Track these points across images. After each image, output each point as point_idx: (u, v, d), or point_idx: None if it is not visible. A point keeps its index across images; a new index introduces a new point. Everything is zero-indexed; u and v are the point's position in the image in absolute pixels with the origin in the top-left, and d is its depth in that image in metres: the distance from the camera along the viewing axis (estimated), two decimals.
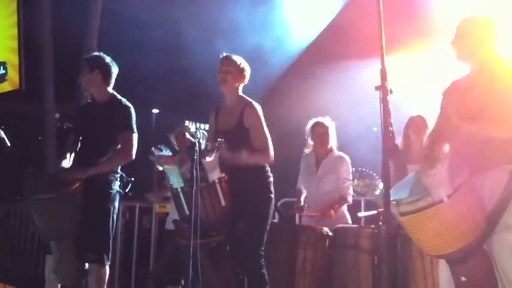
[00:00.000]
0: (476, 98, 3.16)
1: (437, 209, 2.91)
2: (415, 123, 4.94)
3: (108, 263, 4.26)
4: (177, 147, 5.34)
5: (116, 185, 4.33)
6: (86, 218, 4.14)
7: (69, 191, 4.13)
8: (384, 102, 2.81)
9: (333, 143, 5.42)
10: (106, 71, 4.42)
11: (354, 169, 3.53)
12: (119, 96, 4.43)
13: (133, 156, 4.30)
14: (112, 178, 4.30)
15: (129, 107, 4.37)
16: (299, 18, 8.33)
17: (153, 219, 7.15)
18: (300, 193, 5.51)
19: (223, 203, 3.96)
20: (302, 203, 5.46)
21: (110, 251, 4.27)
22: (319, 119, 5.44)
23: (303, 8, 8.30)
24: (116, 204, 4.32)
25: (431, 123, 3.92)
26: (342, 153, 5.40)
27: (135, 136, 4.32)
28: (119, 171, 4.37)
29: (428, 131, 4.80)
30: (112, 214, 4.25)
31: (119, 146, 4.28)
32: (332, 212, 5.13)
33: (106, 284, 4.28)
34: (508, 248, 3.01)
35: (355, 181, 3.45)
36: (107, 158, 4.25)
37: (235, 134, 4.11)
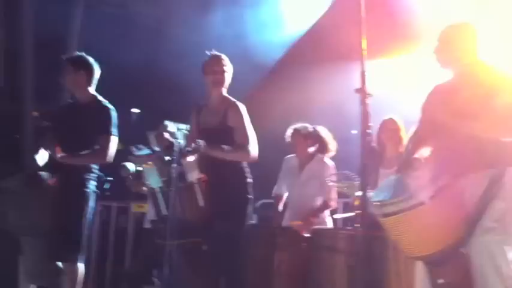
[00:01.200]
0: (460, 103, 3.20)
1: (419, 211, 2.96)
2: (388, 127, 4.94)
3: (82, 262, 4.23)
4: (156, 147, 5.32)
5: (92, 185, 4.30)
6: (60, 216, 4.10)
7: (43, 186, 4.10)
8: (363, 105, 2.83)
9: (315, 147, 5.42)
10: (90, 71, 4.41)
11: (338, 172, 3.55)
12: (100, 98, 4.41)
13: (111, 159, 4.29)
14: (88, 177, 4.28)
15: (111, 110, 4.35)
16: (282, 19, 8.34)
17: (129, 219, 7.10)
18: (278, 199, 5.49)
19: (201, 204, 3.96)
20: (281, 209, 5.45)
21: (84, 251, 4.24)
22: (298, 125, 5.45)
23: (285, 9, 8.32)
24: (92, 204, 4.28)
25: (404, 126, 3.95)
26: (326, 158, 5.39)
27: (115, 139, 4.30)
28: (95, 171, 4.34)
29: (401, 134, 4.89)
30: (87, 214, 4.23)
31: (97, 147, 4.25)
32: (314, 219, 5.12)
33: (81, 283, 4.24)
34: (485, 251, 3.05)
35: (338, 183, 3.49)
36: (85, 153, 4.22)
37: (219, 132, 4.09)
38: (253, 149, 4.13)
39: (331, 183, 4.62)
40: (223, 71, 4.19)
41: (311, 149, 5.40)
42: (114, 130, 4.31)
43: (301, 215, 5.19)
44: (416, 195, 2.94)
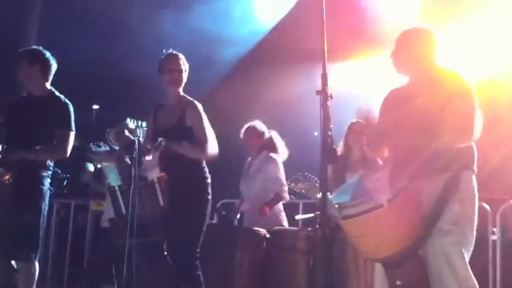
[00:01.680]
0: (418, 108, 3.23)
1: (377, 214, 2.99)
2: (354, 130, 5.00)
3: (37, 260, 4.16)
4: (116, 145, 5.25)
5: (48, 182, 4.23)
6: (15, 214, 4.02)
7: None
8: (324, 106, 2.84)
9: (264, 145, 5.47)
10: (46, 65, 4.33)
11: (299, 173, 3.56)
12: (57, 93, 4.33)
13: (68, 154, 4.22)
14: (44, 174, 4.20)
15: (67, 104, 4.28)
16: (245, 18, 8.35)
17: (88, 217, 7.00)
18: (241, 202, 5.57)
19: (161, 203, 3.92)
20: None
21: (39, 249, 4.18)
22: (249, 123, 5.51)
23: (248, 9, 8.33)
24: (47, 201, 4.21)
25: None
26: (272, 154, 5.45)
27: (73, 134, 4.24)
28: (51, 168, 4.26)
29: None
30: (43, 211, 4.16)
31: (55, 142, 4.18)
32: (266, 209, 5.17)
33: (36, 281, 4.17)
34: (442, 253, 3.10)
35: (298, 184, 3.50)
36: (42, 147, 4.14)
37: (176, 132, 4.06)
38: (212, 147, 4.11)
39: (291, 185, 4.67)
40: (180, 70, 4.15)
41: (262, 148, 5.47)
42: (72, 124, 4.24)
43: (255, 209, 5.22)
44: (376, 197, 2.97)
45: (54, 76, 4.39)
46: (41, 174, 4.17)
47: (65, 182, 4.39)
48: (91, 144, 4.13)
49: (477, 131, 3.18)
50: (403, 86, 3.49)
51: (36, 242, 4.14)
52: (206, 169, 4.19)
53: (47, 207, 4.22)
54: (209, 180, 4.19)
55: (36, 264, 4.17)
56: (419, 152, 3.16)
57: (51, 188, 4.26)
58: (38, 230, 4.14)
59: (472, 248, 3.18)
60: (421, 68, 3.38)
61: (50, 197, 4.26)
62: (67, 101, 4.29)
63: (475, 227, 3.20)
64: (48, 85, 4.34)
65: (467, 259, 3.13)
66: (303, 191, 3.41)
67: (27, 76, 4.32)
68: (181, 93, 4.22)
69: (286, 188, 5.25)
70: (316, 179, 3.41)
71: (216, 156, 4.15)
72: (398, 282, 3.14)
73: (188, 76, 4.22)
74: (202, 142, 4.06)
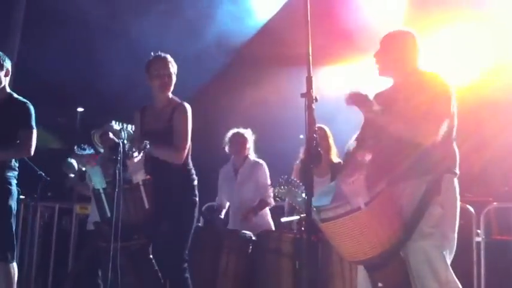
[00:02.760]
0: (401, 110, 3.24)
1: (355, 216, 2.99)
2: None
3: (14, 260, 4.14)
4: (100, 147, 5.21)
5: (14, 182, 4.23)
6: None
7: None
8: (309, 109, 2.85)
9: (249, 152, 5.52)
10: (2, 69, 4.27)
11: (284, 177, 3.55)
12: (16, 95, 4.32)
13: (32, 153, 4.22)
14: (11, 175, 4.21)
15: (28, 104, 4.27)
16: (231, 20, 8.34)
17: (73, 221, 6.95)
18: (220, 209, 5.58)
19: (146, 206, 3.90)
20: (222, 217, 5.55)
21: (14, 248, 4.17)
22: (238, 130, 5.54)
23: (235, 11, 8.33)
24: (15, 201, 4.22)
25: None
26: (257, 159, 5.50)
27: (35, 132, 4.24)
28: (17, 168, 4.27)
29: (330, 142, 4.99)
30: (13, 211, 4.17)
31: (18, 142, 4.18)
32: (251, 215, 5.19)
33: (16, 282, 4.15)
34: (423, 255, 3.11)
35: (278, 188, 3.48)
36: (5, 146, 4.14)
37: (165, 134, 4.04)
38: (182, 152, 4.05)
39: (270, 188, 4.68)
40: (170, 75, 4.13)
41: (247, 153, 5.50)
42: (33, 124, 4.23)
43: (241, 217, 5.25)
44: (353, 200, 2.97)
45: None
46: (7, 175, 4.17)
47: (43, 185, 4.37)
48: (75, 147, 4.09)
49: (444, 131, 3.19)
50: (386, 89, 3.50)
51: (11, 242, 4.14)
52: (193, 171, 4.18)
53: (16, 207, 4.22)
54: (196, 183, 4.18)
55: (15, 265, 4.16)
56: (400, 156, 3.17)
57: (19, 189, 4.27)
58: (10, 230, 4.14)
59: (454, 250, 3.20)
60: (405, 72, 3.40)
61: (18, 197, 4.28)
62: (27, 101, 4.29)
63: (456, 230, 3.23)
64: (7, 88, 4.32)
65: (449, 261, 3.15)
66: (287, 194, 3.40)
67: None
68: (171, 95, 4.21)
69: (271, 194, 5.27)
70: (297, 182, 3.40)
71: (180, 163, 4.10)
72: (380, 285, 3.15)
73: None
74: (178, 147, 4.03)
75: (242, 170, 5.48)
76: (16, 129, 4.18)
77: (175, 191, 4.01)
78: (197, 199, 4.16)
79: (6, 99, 4.28)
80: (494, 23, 7.28)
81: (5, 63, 4.26)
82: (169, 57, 4.17)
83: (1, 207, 4.12)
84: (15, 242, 4.18)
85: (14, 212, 4.20)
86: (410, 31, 3.47)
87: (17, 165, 4.28)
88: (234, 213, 5.46)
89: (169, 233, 3.98)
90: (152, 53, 4.21)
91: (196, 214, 4.15)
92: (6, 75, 4.28)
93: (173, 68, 4.16)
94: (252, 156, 5.54)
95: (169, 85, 4.14)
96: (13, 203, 4.18)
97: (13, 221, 4.17)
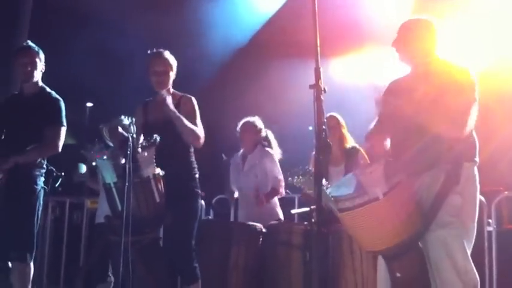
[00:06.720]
0: (422, 100, 3.21)
1: (372, 206, 2.98)
2: (329, 125, 4.99)
3: (32, 261, 4.13)
4: (110, 142, 5.22)
5: (41, 181, 4.20)
6: (10, 214, 4.00)
7: None
8: (318, 100, 2.84)
9: (259, 141, 5.48)
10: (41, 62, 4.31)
11: (299, 167, 3.55)
12: (48, 89, 4.31)
13: (59, 150, 4.21)
14: (37, 173, 4.18)
15: (58, 100, 4.25)
16: (237, 15, 8.33)
17: (84, 215, 6.98)
18: (231, 200, 5.60)
19: (157, 199, 3.91)
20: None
21: (34, 249, 4.14)
22: (249, 118, 5.51)
23: (241, 5, 8.31)
24: (41, 200, 4.19)
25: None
26: (267, 148, 5.46)
27: (64, 129, 4.23)
28: (44, 166, 4.24)
29: (344, 131, 4.97)
30: (37, 211, 4.13)
31: (47, 138, 4.16)
32: (263, 198, 5.16)
33: (31, 281, 4.15)
34: (442, 245, 3.10)
35: (296, 178, 3.49)
36: (34, 146, 4.12)
37: (169, 127, 4.05)
38: (202, 134, 4.13)
39: (289, 179, 4.68)
40: (165, 72, 4.14)
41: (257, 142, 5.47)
42: (63, 120, 4.23)
43: (249, 203, 5.23)
44: (370, 191, 2.97)
45: (47, 74, 4.38)
46: (34, 174, 4.15)
47: (59, 181, 4.37)
48: (86, 143, 4.09)
49: (471, 124, 3.17)
50: (403, 77, 3.47)
51: (32, 242, 4.11)
52: (195, 165, 4.23)
53: (41, 207, 4.19)
54: (197, 176, 4.23)
55: (31, 264, 4.13)
56: (414, 145, 3.16)
57: (45, 187, 4.24)
58: (32, 230, 4.10)
59: (473, 240, 3.18)
60: (424, 61, 3.36)
61: (44, 196, 4.23)
62: (58, 96, 4.28)
63: (475, 219, 3.20)
64: (40, 82, 4.32)
65: (468, 251, 3.13)
66: (302, 185, 3.41)
67: (23, 74, 4.27)
68: (171, 90, 4.21)
69: (283, 183, 5.26)
70: (311, 171, 3.41)
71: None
72: (398, 274, 3.14)
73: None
74: (199, 129, 4.10)
75: (250, 158, 5.44)
76: (45, 124, 4.16)
77: (178, 182, 4.02)
78: (199, 190, 4.21)
79: (37, 93, 4.28)
80: (500, 14, 7.23)
81: (43, 58, 4.27)
82: (166, 53, 4.17)
83: (26, 206, 4.08)
84: (35, 243, 4.14)
85: (39, 212, 4.15)
86: (428, 19, 3.43)
87: (44, 162, 4.25)
88: (242, 200, 5.46)
89: (174, 223, 3.99)
90: (148, 51, 4.20)
91: (199, 204, 4.21)
92: (42, 70, 4.30)
93: (170, 63, 4.15)
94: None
95: (165, 82, 4.15)
96: (37, 203, 4.14)
97: (36, 221, 4.13)
